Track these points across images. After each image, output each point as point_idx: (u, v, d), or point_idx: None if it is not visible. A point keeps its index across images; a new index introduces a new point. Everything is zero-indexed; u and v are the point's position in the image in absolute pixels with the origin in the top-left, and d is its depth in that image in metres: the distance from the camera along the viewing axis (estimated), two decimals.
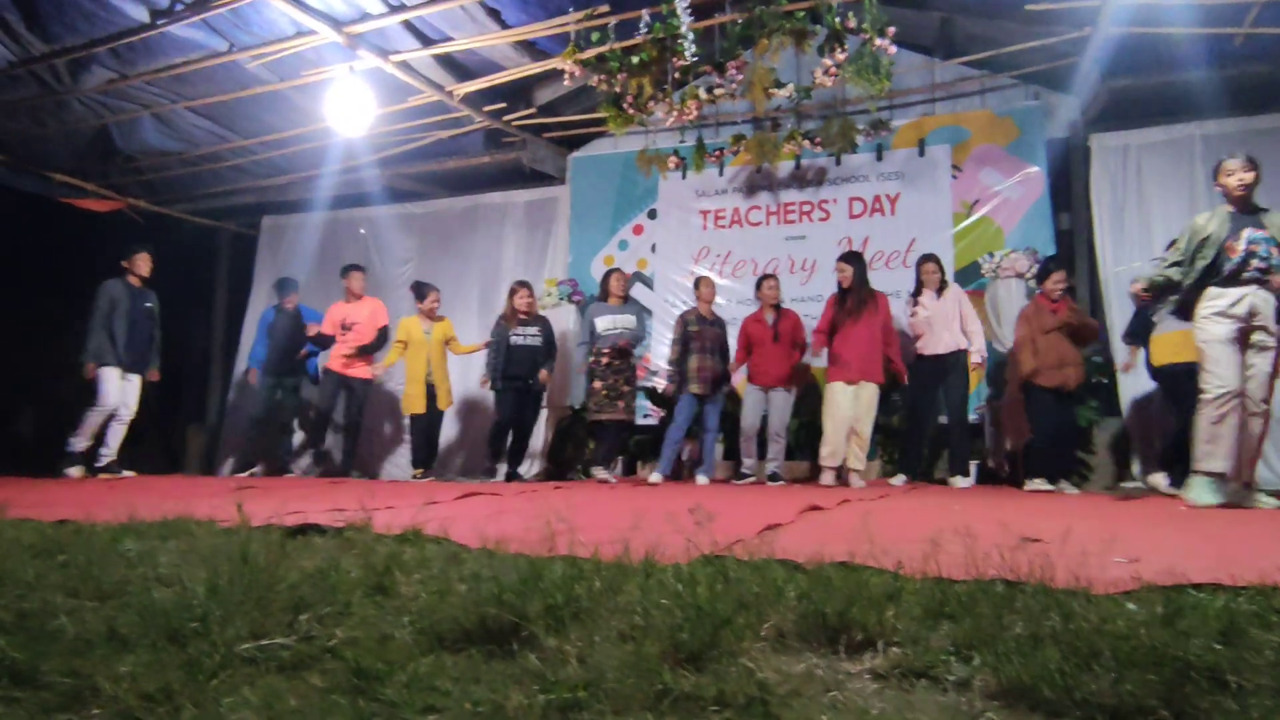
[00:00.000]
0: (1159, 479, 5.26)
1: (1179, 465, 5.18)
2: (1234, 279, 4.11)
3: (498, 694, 1.17)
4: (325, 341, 7.28)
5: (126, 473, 6.57)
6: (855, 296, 6.03)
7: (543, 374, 6.72)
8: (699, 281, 6.66)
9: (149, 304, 6.67)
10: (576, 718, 1.14)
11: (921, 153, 7.18)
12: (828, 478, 6.00)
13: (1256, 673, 1.28)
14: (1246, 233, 4.08)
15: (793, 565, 2.07)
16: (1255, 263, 4.06)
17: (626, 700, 1.16)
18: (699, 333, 6.36)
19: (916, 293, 6.28)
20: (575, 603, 1.66)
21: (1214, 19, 5.60)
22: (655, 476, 6.30)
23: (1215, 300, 4.14)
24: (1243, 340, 4.11)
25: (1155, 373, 5.65)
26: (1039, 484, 5.72)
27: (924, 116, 7.25)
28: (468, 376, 7.72)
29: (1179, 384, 5.42)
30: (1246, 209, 4.17)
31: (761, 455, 6.42)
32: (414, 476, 7.02)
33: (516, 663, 1.33)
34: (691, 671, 1.27)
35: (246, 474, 7.31)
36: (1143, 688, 1.17)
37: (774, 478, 6.24)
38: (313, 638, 1.49)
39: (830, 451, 6.00)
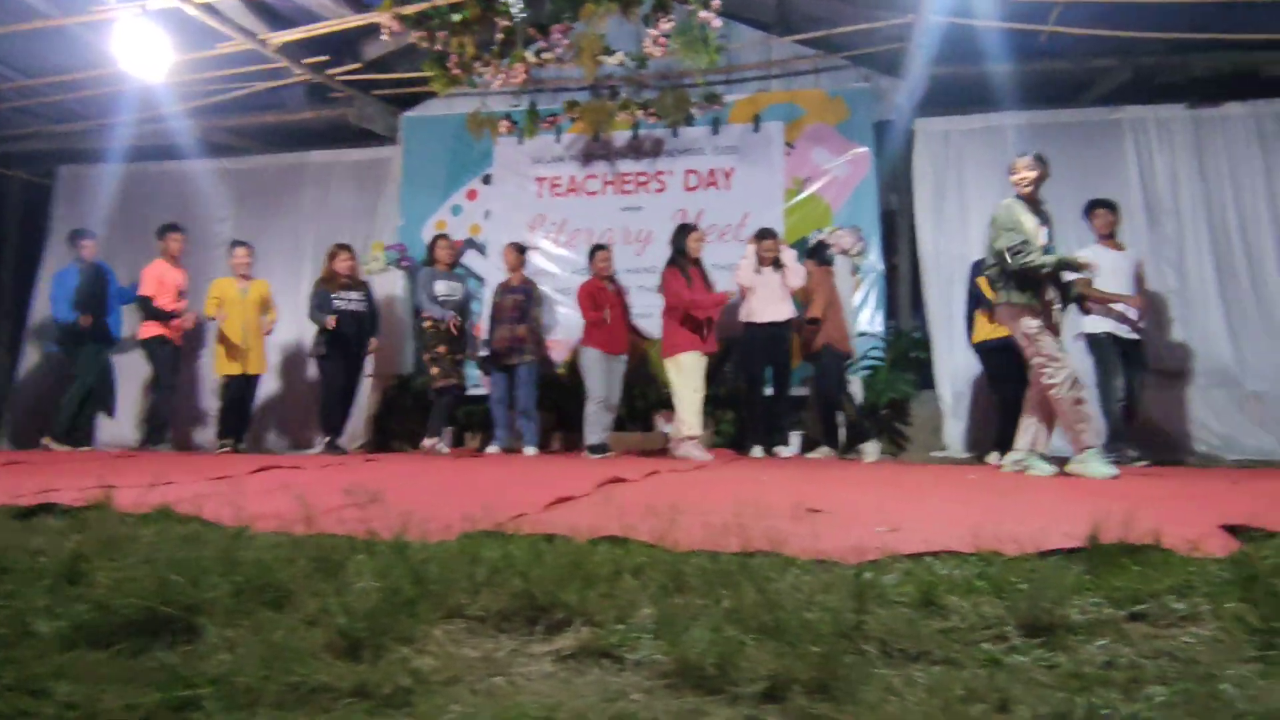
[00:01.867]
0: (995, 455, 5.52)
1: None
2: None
3: (96, 696, 1.04)
4: (157, 312, 6.54)
5: None
6: (698, 267, 6.12)
7: (373, 342, 6.52)
8: (505, 250, 6.56)
9: None
10: (186, 718, 1.03)
11: (757, 128, 7.24)
12: (697, 450, 5.88)
13: (923, 641, 1.31)
14: (1044, 228, 4.44)
15: (544, 540, 2.02)
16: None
17: (253, 696, 1.06)
18: (499, 303, 6.32)
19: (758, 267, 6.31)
20: (274, 588, 1.54)
21: (1022, 15, 5.89)
22: (493, 448, 6.29)
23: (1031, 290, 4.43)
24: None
25: (975, 348, 5.97)
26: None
27: (760, 92, 7.32)
28: (286, 342, 7.32)
29: (994, 359, 5.75)
30: (1033, 202, 4.48)
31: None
32: (220, 448, 6.60)
33: (157, 658, 1.21)
34: (347, 661, 1.18)
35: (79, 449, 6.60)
36: (799, 661, 1.16)
37: (602, 449, 6.21)
38: None
39: (697, 421, 5.93)
